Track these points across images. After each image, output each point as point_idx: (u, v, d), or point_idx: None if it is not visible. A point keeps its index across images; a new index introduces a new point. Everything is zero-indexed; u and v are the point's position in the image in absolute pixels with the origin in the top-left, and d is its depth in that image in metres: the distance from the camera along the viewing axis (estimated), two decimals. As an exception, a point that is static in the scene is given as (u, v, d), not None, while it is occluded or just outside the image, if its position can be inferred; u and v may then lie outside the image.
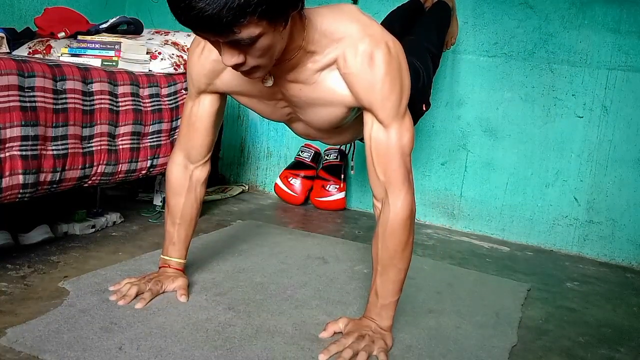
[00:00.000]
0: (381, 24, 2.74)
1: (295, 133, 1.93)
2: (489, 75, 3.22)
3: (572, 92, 3.06)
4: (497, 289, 2.36)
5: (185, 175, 1.92)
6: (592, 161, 3.05)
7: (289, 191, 3.53)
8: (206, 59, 1.69)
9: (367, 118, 1.61)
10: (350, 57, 1.50)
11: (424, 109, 2.26)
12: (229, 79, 1.69)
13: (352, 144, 3.14)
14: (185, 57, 2.76)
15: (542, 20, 3.09)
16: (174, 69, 2.69)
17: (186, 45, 2.84)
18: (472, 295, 2.24)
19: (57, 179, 2.05)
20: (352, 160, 3.00)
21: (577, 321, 2.14)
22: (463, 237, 3.21)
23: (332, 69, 1.55)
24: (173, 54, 2.73)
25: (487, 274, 2.55)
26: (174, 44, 2.83)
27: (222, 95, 1.81)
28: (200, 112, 1.82)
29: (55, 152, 2.02)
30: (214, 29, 1.20)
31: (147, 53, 2.67)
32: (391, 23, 2.70)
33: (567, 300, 2.36)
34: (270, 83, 1.58)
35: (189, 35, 2.91)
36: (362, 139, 2.26)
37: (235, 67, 1.35)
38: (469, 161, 3.31)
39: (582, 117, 3.05)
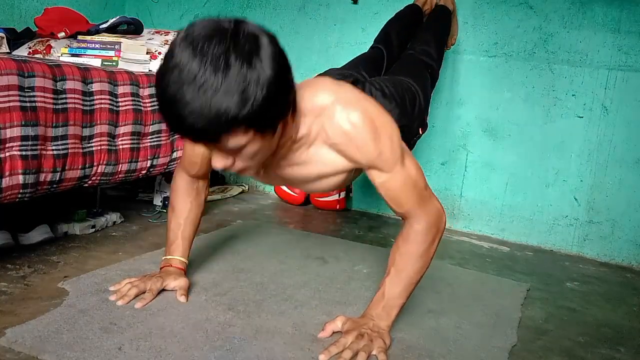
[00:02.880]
0: (377, 37, 2.79)
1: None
2: (489, 75, 3.22)
3: (572, 92, 3.06)
4: (496, 289, 2.36)
5: (191, 185, 1.99)
6: (592, 161, 3.05)
7: (289, 191, 3.53)
8: None
9: (370, 172, 1.64)
10: (330, 129, 1.54)
11: (421, 132, 2.28)
12: None
13: None
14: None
15: (542, 20, 3.09)
16: (174, 69, 2.68)
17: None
18: (472, 295, 2.24)
19: (57, 179, 2.05)
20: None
21: (577, 321, 2.14)
22: (463, 237, 3.21)
23: (319, 144, 1.58)
24: (173, 54, 2.72)
25: (486, 274, 2.55)
26: (174, 44, 2.83)
27: None
28: (197, 153, 1.87)
29: (55, 152, 2.02)
30: (204, 140, 1.29)
31: (147, 53, 2.67)
32: (388, 36, 2.71)
33: (567, 300, 2.35)
34: (260, 174, 1.64)
35: (189, 35, 2.90)
36: None
37: (225, 168, 1.41)
38: (469, 161, 3.31)
39: (582, 117, 3.05)
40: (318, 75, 2.28)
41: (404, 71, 2.41)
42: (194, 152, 1.87)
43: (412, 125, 2.16)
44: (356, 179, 3.25)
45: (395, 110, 2.06)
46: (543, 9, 3.08)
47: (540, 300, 2.31)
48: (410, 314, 1.95)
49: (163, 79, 1.22)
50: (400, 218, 1.74)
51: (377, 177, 1.63)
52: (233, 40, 1.20)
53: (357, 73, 2.35)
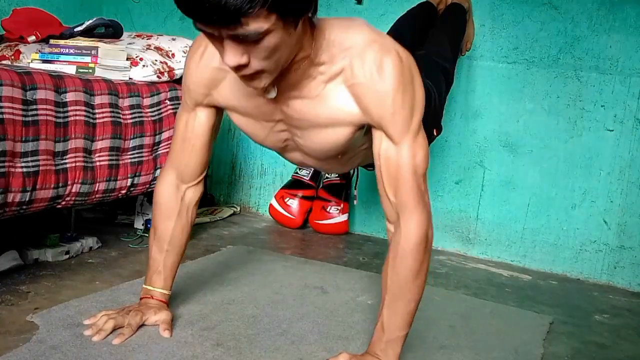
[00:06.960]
0: (388, 33, 2.79)
1: (290, 162, 1.96)
2: (508, 84, 3.24)
3: (601, 102, 3.08)
4: (516, 322, 2.37)
5: (176, 197, 1.94)
6: (624, 180, 3.06)
7: (285, 213, 3.54)
8: (206, 66, 1.71)
9: (376, 134, 1.63)
10: (358, 67, 1.54)
11: (435, 133, 2.28)
12: (228, 92, 1.71)
13: (355, 170, 3.15)
14: (169, 63, 2.78)
15: (568, 23, 3.11)
16: (157, 77, 2.71)
17: (170, 51, 2.86)
18: (489, 330, 2.25)
19: (27, 199, 2.06)
20: (355, 189, 3.00)
21: (607, 358, 2.15)
22: (479, 264, 3.22)
23: (338, 83, 1.58)
24: (156, 60, 2.75)
25: (506, 306, 2.56)
26: (158, 49, 2.86)
27: (219, 110, 1.84)
28: (196, 127, 1.84)
29: (24, 170, 2.04)
30: (220, 18, 1.24)
31: (128, 59, 2.69)
32: (400, 33, 2.72)
33: (596, 335, 2.37)
34: (273, 94, 1.58)
35: (173, 40, 2.93)
36: (365, 166, 2.27)
37: (238, 69, 1.38)
38: (487, 180, 3.32)
39: (612, 130, 3.07)
40: None
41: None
42: (189, 126, 1.84)
43: (425, 119, 2.16)
44: (360, 197, 3.24)
45: None
46: (569, 10, 3.11)
47: (565, 335, 2.32)
48: (421, 350, 1.96)
49: None
50: (387, 220, 1.74)
51: (382, 144, 1.62)
52: None
53: None
